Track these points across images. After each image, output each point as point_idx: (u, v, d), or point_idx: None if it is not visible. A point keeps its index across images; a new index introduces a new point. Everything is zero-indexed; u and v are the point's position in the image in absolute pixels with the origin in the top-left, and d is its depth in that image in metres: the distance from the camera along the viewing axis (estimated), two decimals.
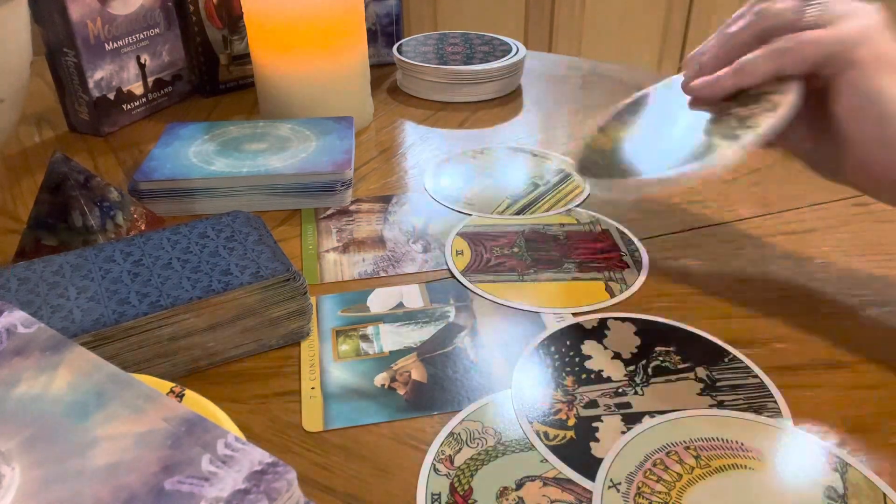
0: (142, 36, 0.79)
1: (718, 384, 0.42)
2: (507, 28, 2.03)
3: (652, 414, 0.40)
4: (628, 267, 0.53)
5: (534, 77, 0.92)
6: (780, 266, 0.53)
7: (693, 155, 0.42)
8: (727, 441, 0.38)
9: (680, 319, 0.47)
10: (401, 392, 0.42)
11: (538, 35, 2.04)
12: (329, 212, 0.62)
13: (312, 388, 0.43)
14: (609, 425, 0.39)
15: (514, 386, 0.42)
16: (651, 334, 0.46)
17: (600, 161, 0.49)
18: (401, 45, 0.91)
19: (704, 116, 0.46)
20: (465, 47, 0.90)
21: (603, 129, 0.53)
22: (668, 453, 0.37)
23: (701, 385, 0.42)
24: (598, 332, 0.46)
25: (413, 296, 0.51)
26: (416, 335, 0.47)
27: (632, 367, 0.43)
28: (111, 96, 0.77)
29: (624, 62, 1.73)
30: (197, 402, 0.34)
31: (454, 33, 0.96)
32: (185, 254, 0.46)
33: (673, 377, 0.42)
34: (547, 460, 0.37)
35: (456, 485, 0.36)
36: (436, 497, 0.36)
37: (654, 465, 0.36)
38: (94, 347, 0.40)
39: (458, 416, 0.40)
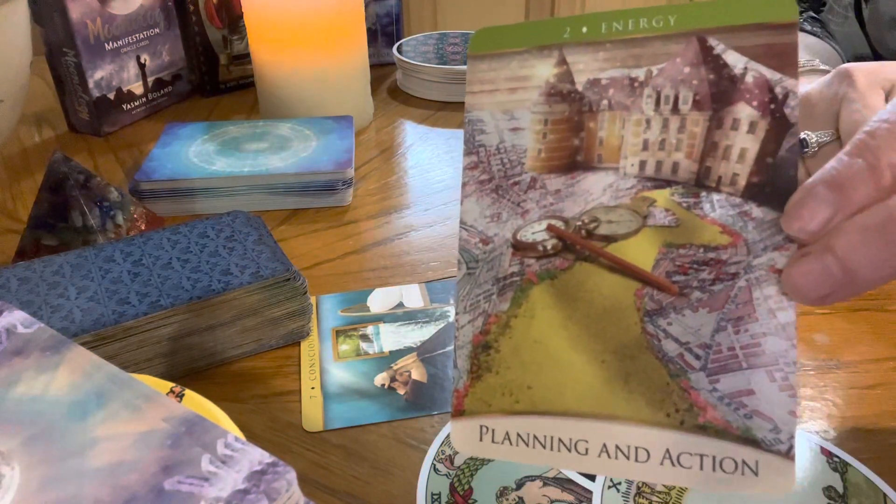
0: (142, 36, 0.79)
1: None
2: None
3: None
4: None
5: None
6: None
7: None
8: None
9: None
10: (401, 392, 0.42)
11: None
12: None
13: (312, 388, 0.43)
14: None
15: None
16: None
17: None
18: (401, 45, 0.91)
19: None
20: (464, 47, 0.90)
21: None
22: None
23: None
24: None
25: (413, 296, 0.51)
26: (416, 335, 0.47)
27: None
28: (111, 96, 0.77)
29: None
30: (197, 402, 0.34)
31: (454, 33, 0.96)
32: (185, 254, 0.46)
33: None
34: None
35: (456, 485, 0.36)
36: (436, 497, 0.36)
37: None
38: (94, 347, 0.40)
39: None
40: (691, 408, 0.26)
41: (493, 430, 0.29)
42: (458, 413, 0.29)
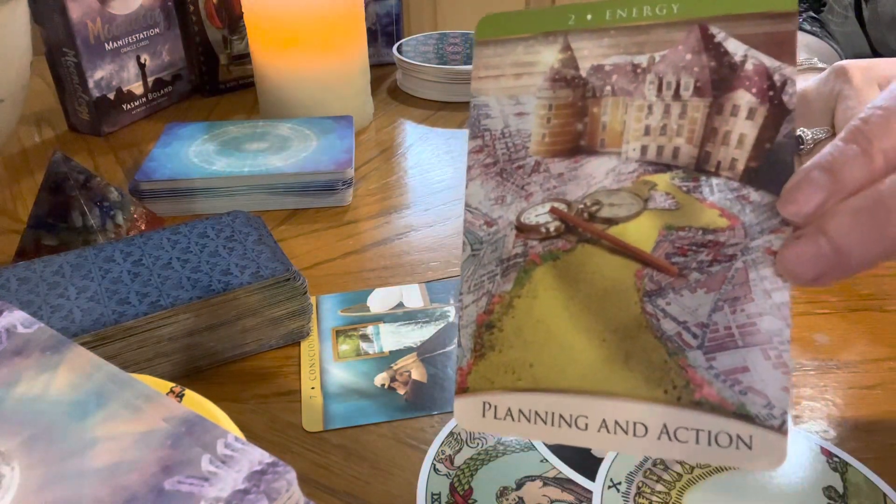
0: (142, 36, 0.79)
1: None
2: None
3: None
4: None
5: None
6: None
7: None
8: None
9: None
10: (401, 392, 0.42)
11: None
12: None
13: (312, 388, 0.43)
14: None
15: None
16: None
17: None
18: (401, 45, 0.91)
19: None
20: (464, 47, 0.90)
21: None
22: None
23: None
24: None
25: (413, 296, 0.51)
26: (416, 335, 0.47)
27: None
28: (111, 96, 0.77)
29: None
30: (197, 402, 0.34)
31: (454, 33, 0.96)
32: (185, 254, 0.46)
33: None
34: (547, 460, 0.37)
35: (456, 485, 0.36)
36: (436, 497, 0.36)
37: (654, 464, 0.36)
38: (94, 347, 0.40)
39: None
40: (688, 384, 0.27)
41: (495, 407, 0.29)
42: (462, 390, 0.30)
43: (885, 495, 0.35)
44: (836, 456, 0.37)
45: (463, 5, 2.03)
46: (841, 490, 0.35)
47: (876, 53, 0.72)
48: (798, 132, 0.46)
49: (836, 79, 0.46)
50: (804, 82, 0.49)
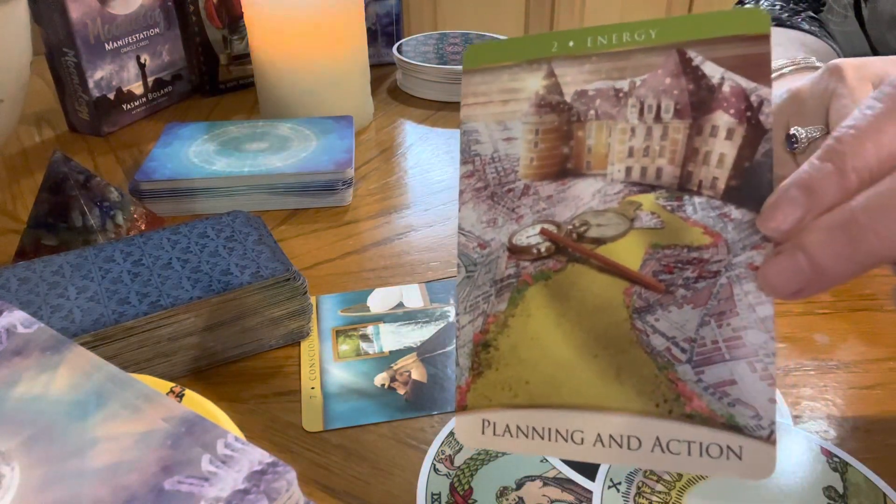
0: (142, 36, 0.79)
1: None
2: (507, 28, 2.03)
3: None
4: None
5: None
6: None
7: None
8: None
9: None
10: (401, 392, 0.42)
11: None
12: None
13: (312, 388, 0.43)
14: None
15: None
16: None
17: None
18: (401, 45, 0.91)
19: None
20: (464, 47, 0.90)
21: None
22: None
23: None
24: None
25: (413, 296, 0.51)
26: (416, 335, 0.47)
27: None
28: (111, 96, 0.77)
29: None
30: (197, 402, 0.34)
31: (454, 33, 0.96)
32: (185, 254, 0.46)
33: None
34: (547, 460, 0.37)
35: (456, 485, 0.36)
36: (436, 497, 0.36)
37: None
38: (94, 347, 0.40)
39: None
40: (678, 398, 0.27)
41: (494, 424, 0.30)
42: (461, 408, 0.31)
43: (885, 495, 0.35)
44: (836, 456, 0.37)
45: (463, 5, 2.03)
46: (841, 490, 0.35)
47: (876, 53, 0.72)
48: (792, 130, 0.47)
49: (830, 77, 0.46)
50: (798, 81, 0.49)
